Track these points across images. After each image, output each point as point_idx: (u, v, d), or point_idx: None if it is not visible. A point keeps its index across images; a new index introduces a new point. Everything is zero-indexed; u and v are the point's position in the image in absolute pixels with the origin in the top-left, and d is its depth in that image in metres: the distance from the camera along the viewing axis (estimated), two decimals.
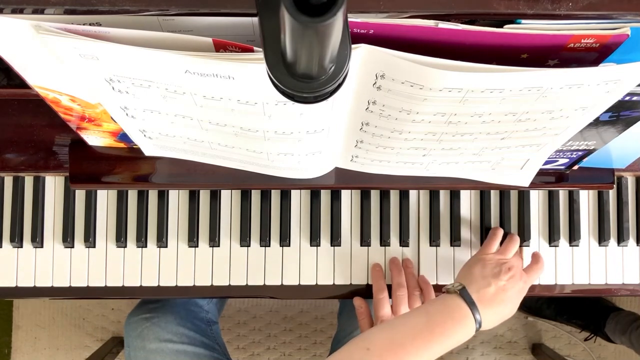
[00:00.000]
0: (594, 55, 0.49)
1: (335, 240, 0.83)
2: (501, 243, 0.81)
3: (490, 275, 0.69)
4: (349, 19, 0.44)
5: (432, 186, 0.80)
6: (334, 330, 1.05)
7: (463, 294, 0.65)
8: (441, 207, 0.84)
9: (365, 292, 0.82)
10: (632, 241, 0.85)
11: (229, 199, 0.83)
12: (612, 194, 0.85)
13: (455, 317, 0.63)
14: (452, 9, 0.44)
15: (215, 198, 0.83)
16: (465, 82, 0.47)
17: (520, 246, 0.84)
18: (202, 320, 0.97)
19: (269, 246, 0.83)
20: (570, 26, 0.47)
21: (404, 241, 0.83)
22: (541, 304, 1.51)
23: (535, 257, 0.79)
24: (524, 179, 0.72)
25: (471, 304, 0.64)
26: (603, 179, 0.78)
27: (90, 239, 0.82)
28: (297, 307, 1.55)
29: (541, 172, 0.71)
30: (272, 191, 0.83)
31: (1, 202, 0.83)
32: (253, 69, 0.44)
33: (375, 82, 0.49)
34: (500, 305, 0.67)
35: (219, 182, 0.74)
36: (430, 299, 0.69)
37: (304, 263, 0.83)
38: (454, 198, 0.84)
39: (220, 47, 0.45)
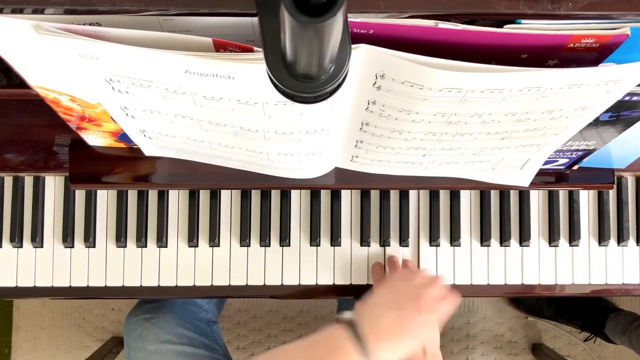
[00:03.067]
0: (593, 55, 0.49)
1: (335, 240, 0.83)
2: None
3: (396, 306, 0.60)
4: (349, 19, 0.44)
5: (432, 186, 0.80)
6: None
7: (353, 326, 0.56)
8: (441, 207, 0.84)
9: (366, 292, 0.82)
10: (632, 241, 0.85)
11: (229, 199, 0.83)
12: (612, 194, 0.85)
13: (338, 356, 0.55)
14: (452, 9, 0.44)
15: (215, 198, 0.83)
16: (465, 82, 0.47)
17: (521, 246, 0.84)
18: (202, 320, 0.97)
19: (269, 246, 0.83)
20: (570, 26, 0.47)
21: (404, 241, 0.83)
22: (541, 304, 1.51)
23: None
24: (524, 179, 0.72)
25: (361, 342, 0.55)
26: (603, 179, 0.78)
27: (90, 239, 0.82)
28: (297, 307, 1.55)
29: (541, 172, 0.71)
30: (272, 191, 0.83)
31: (1, 202, 0.83)
32: (253, 69, 0.44)
33: (375, 82, 0.49)
34: (403, 338, 0.58)
35: (219, 182, 0.74)
36: (320, 331, 0.58)
37: (304, 263, 0.83)
38: (454, 198, 0.84)
39: (220, 47, 0.45)
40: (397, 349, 0.57)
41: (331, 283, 0.83)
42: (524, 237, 0.84)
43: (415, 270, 0.66)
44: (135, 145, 0.69)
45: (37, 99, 0.59)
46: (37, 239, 0.82)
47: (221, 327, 1.06)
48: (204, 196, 0.83)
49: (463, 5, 0.44)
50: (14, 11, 0.43)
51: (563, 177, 0.77)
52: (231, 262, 0.82)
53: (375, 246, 0.83)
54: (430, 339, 0.72)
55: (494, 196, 0.84)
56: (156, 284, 0.82)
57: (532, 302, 1.51)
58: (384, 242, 0.83)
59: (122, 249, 0.82)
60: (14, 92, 0.64)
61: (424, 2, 0.44)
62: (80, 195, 0.83)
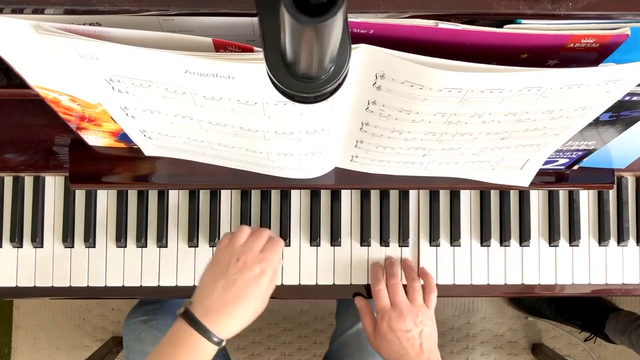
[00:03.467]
0: (593, 55, 0.49)
1: (335, 240, 0.83)
2: None
3: (220, 277, 0.60)
4: (349, 19, 0.44)
5: (432, 186, 0.80)
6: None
7: (186, 316, 0.58)
8: (441, 207, 0.84)
9: (365, 292, 0.83)
10: (632, 241, 0.85)
11: (229, 199, 0.83)
12: (612, 194, 0.85)
13: (184, 346, 0.56)
14: (452, 9, 0.44)
15: (215, 198, 0.83)
16: (465, 82, 0.47)
17: (521, 246, 0.84)
18: None
19: None
20: (570, 26, 0.47)
21: (404, 241, 0.83)
22: (541, 304, 1.51)
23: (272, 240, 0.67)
24: (524, 179, 0.72)
25: (197, 325, 0.56)
26: (603, 179, 0.78)
27: (90, 239, 0.82)
28: (297, 307, 1.55)
29: (541, 172, 0.71)
30: (272, 191, 0.83)
31: (1, 202, 0.83)
32: (253, 69, 0.44)
33: (375, 82, 0.49)
34: (237, 303, 0.58)
35: (219, 182, 0.74)
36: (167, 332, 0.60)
37: (304, 263, 0.83)
38: (454, 198, 0.84)
39: (220, 47, 0.45)
40: (237, 316, 0.58)
41: (331, 283, 0.83)
42: (524, 237, 0.84)
43: (228, 236, 0.65)
44: (135, 145, 0.69)
45: (37, 99, 0.59)
46: (37, 239, 0.82)
47: None
48: (204, 196, 0.83)
49: (463, 5, 0.44)
50: (14, 11, 0.43)
51: (563, 177, 0.77)
52: None
53: (375, 246, 0.83)
54: (427, 336, 0.72)
55: (494, 196, 0.84)
56: (156, 284, 0.82)
57: (532, 302, 1.51)
58: (384, 242, 0.83)
59: (122, 249, 0.82)
60: (14, 92, 0.64)
61: (424, 2, 0.44)
62: (80, 195, 0.83)
